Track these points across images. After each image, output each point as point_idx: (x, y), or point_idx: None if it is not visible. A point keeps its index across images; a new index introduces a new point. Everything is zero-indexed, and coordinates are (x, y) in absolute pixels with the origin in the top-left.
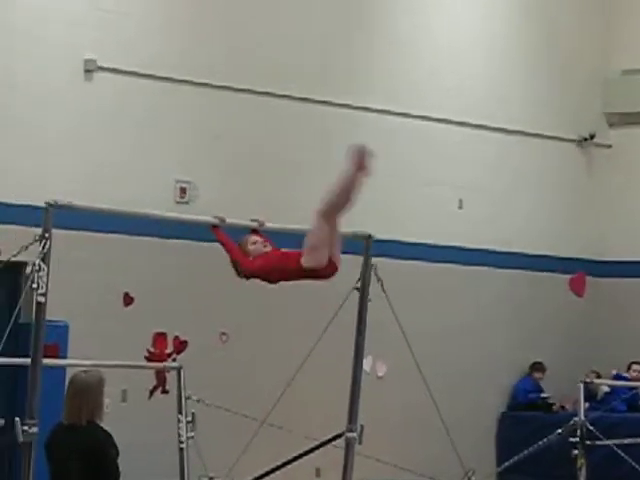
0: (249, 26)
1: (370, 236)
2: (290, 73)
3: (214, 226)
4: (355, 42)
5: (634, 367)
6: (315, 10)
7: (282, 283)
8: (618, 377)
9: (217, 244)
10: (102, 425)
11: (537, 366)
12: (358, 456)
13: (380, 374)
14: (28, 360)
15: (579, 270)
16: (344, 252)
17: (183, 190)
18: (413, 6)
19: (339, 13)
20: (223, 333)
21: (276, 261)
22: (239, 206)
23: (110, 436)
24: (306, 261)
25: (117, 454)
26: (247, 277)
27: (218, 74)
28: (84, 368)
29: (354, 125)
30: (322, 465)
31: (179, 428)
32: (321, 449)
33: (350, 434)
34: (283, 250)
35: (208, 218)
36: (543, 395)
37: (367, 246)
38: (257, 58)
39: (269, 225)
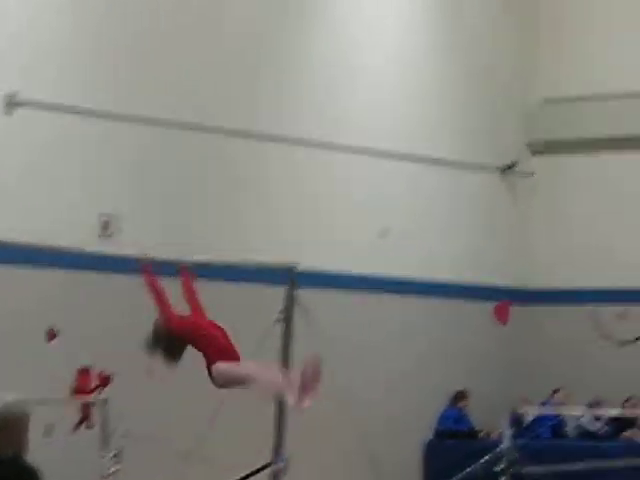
0: (172, 59)
1: (294, 267)
2: (211, 106)
3: (144, 268)
4: (272, 74)
5: (557, 394)
6: (235, 44)
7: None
8: (544, 404)
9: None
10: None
11: (461, 394)
12: None
13: (305, 405)
14: None
15: (503, 298)
16: (269, 283)
17: (106, 224)
18: (336, 38)
19: (258, 45)
20: (149, 367)
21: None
22: (164, 240)
23: (36, 470)
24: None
25: None
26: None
27: (140, 106)
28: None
29: (281, 158)
30: None
31: (104, 462)
32: None
33: (276, 465)
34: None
35: (133, 253)
36: (469, 424)
37: (291, 277)
38: (177, 90)
39: (195, 258)
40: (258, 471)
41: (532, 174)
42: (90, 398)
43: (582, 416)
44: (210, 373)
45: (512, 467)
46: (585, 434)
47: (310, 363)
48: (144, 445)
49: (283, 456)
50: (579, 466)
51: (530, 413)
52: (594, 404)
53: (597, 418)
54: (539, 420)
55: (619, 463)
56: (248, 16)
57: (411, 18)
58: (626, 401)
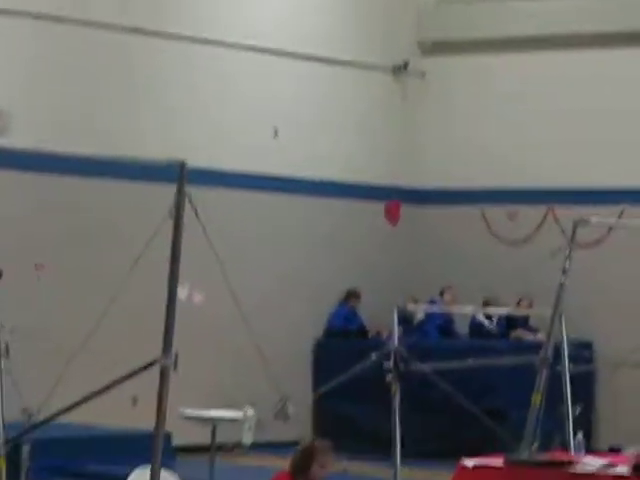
0: None
1: (184, 163)
2: (106, 3)
3: None
4: None
5: (447, 292)
6: None
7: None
8: (432, 303)
9: (32, 173)
10: None
11: (352, 293)
12: (174, 383)
13: (196, 301)
14: None
15: (393, 198)
16: (159, 180)
17: None
18: None
19: None
20: (38, 262)
21: None
22: (54, 134)
23: None
24: None
25: None
26: None
27: (35, 2)
28: None
29: (174, 56)
30: (139, 393)
31: None
32: (137, 377)
33: (164, 361)
34: None
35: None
36: (359, 323)
37: (181, 173)
38: None
39: (85, 152)
40: (146, 367)
41: (424, 74)
42: None
43: (472, 315)
44: None
45: (400, 365)
46: (475, 332)
47: None
48: (30, 341)
49: (172, 353)
50: (467, 363)
51: (419, 312)
52: (486, 303)
53: (489, 317)
54: (429, 319)
55: (507, 361)
56: None
57: None
58: (519, 302)
